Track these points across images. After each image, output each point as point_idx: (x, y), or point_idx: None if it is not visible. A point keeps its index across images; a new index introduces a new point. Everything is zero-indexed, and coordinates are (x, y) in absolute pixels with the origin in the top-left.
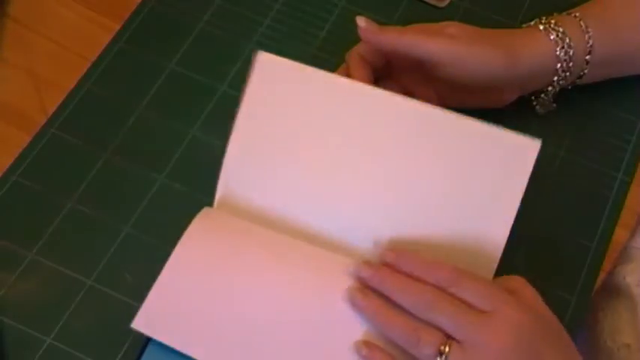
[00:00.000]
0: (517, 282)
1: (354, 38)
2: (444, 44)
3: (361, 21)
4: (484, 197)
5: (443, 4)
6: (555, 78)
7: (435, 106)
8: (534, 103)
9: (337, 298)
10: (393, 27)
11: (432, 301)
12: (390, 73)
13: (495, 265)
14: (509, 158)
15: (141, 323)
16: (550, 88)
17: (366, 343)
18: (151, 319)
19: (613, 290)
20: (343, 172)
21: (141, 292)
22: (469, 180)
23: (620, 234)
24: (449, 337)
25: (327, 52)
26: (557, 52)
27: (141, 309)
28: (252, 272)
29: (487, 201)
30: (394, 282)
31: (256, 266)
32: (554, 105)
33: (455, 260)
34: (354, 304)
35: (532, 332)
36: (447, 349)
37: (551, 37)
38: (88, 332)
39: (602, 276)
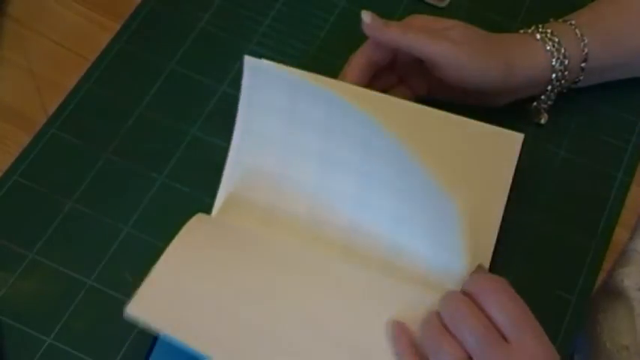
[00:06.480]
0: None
1: (354, 38)
2: (445, 49)
3: (366, 16)
4: (477, 187)
5: (443, 4)
6: (549, 87)
7: (426, 106)
8: (530, 110)
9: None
10: (397, 22)
11: (463, 314)
12: (391, 63)
13: (492, 244)
14: (496, 150)
15: (134, 310)
16: (543, 97)
17: (399, 325)
18: (145, 306)
19: (612, 292)
20: (339, 171)
21: None
22: (462, 173)
23: (620, 234)
24: (470, 357)
25: (327, 52)
26: (553, 63)
27: (135, 296)
28: (250, 265)
29: (480, 189)
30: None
31: (254, 259)
32: (547, 116)
33: None
34: None
35: None
36: None
37: (547, 48)
38: (88, 332)
39: (602, 276)
